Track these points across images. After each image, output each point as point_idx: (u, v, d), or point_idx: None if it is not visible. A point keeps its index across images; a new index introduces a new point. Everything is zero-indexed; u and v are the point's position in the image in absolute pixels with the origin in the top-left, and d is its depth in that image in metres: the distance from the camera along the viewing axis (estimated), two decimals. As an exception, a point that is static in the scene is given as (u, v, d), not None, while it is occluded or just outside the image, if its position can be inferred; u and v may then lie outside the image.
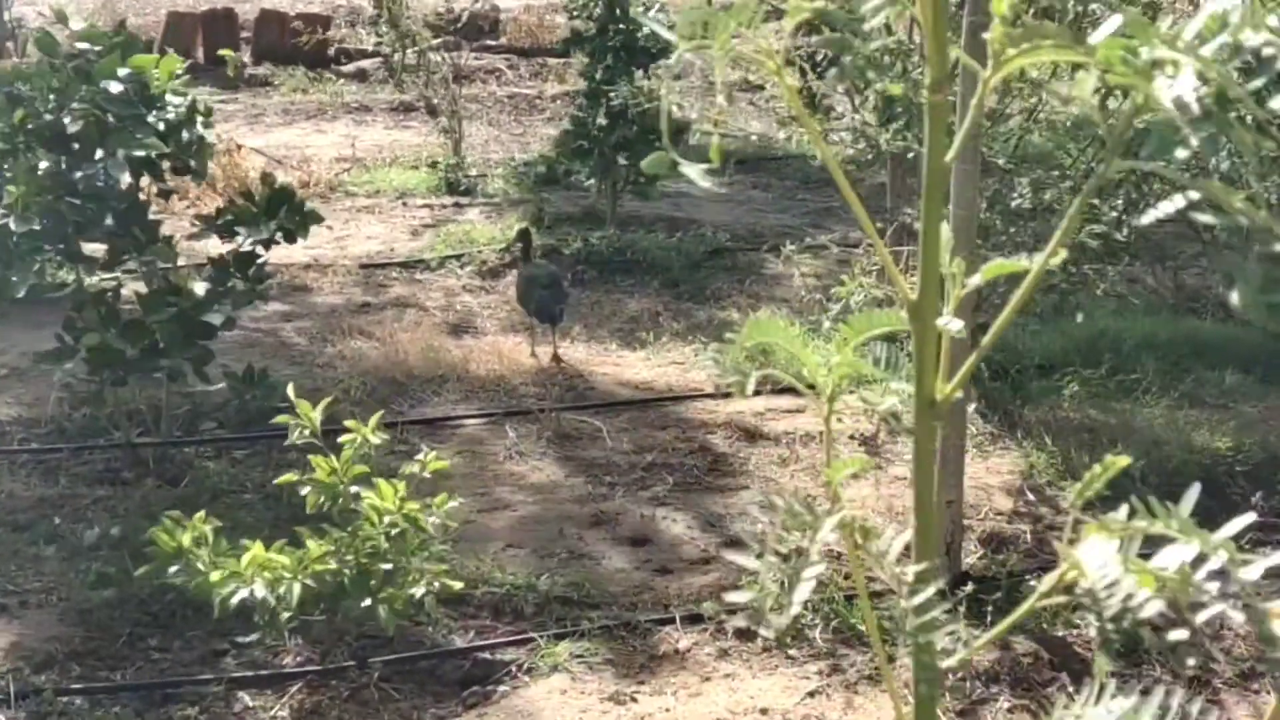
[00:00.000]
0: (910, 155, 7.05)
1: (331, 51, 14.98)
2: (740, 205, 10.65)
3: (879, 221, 9.98)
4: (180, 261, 6.44)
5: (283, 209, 5.83)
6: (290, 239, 5.90)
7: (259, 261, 5.91)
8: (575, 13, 9.63)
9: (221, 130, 11.61)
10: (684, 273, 8.91)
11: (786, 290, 8.74)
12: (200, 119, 5.81)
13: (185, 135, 5.74)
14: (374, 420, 3.96)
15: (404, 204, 10.37)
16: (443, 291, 8.60)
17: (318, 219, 6.05)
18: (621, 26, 9.29)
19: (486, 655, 4.77)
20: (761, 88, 14.55)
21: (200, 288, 5.77)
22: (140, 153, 5.52)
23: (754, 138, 11.75)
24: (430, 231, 9.68)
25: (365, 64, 14.84)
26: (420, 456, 4.17)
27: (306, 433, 4.06)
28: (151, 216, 5.87)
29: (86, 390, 6.06)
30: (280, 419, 4.09)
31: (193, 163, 5.81)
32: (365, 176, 10.93)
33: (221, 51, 13.10)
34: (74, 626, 4.90)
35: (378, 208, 10.26)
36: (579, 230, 9.44)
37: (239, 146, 10.32)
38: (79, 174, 5.44)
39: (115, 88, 5.45)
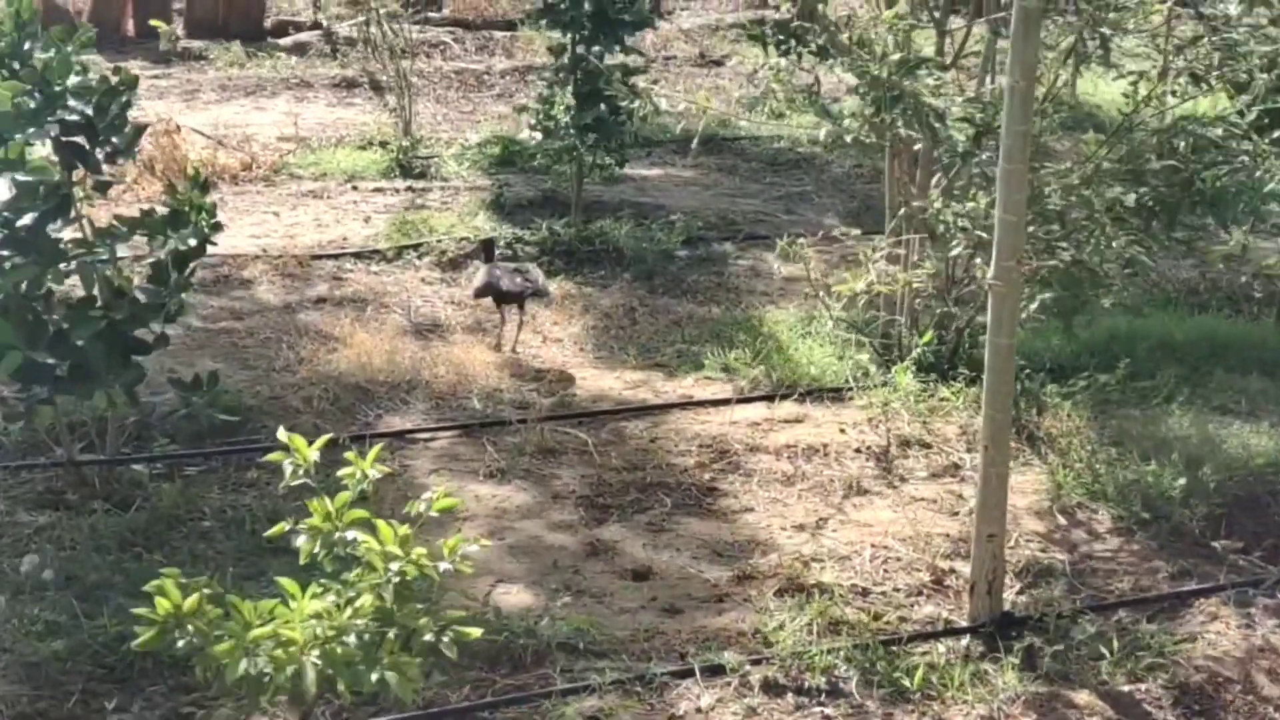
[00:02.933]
0: (916, 146, 6.59)
1: (268, 24, 14.34)
2: (707, 190, 10.14)
3: (862, 211, 9.55)
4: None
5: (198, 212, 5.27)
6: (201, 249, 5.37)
7: (185, 273, 5.35)
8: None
9: (157, 108, 11.02)
10: (658, 264, 8.40)
11: (767, 283, 8.25)
12: (121, 98, 5.21)
13: (110, 113, 5.16)
14: (373, 454, 3.41)
15: (354, 188, 9.78)
16: (402, 285, 8.04)
17: (217, 228, 5.49)
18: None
19: (486, 716, 4.25)
20: (721, 63, 14.24)
21: (140, 295, 5.22)
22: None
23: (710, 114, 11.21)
24: (384, 218, 9.10)
25: (304, 37, 14.19)
26: (428, 495, 3.62)
27: (300, 472, 3.51)
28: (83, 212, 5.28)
29: (17, 407, 5.47)
30: (272, 457, 3.52)
31: (115, 140, 5.23)
32: (311, 158, 10.32)
33: (153, 22, 12.47)
34: (18, 683, 4.32)
35: (326, 192, 9.66)
36: (542, 218, 8.89)
37: (178, 127, 9.67)
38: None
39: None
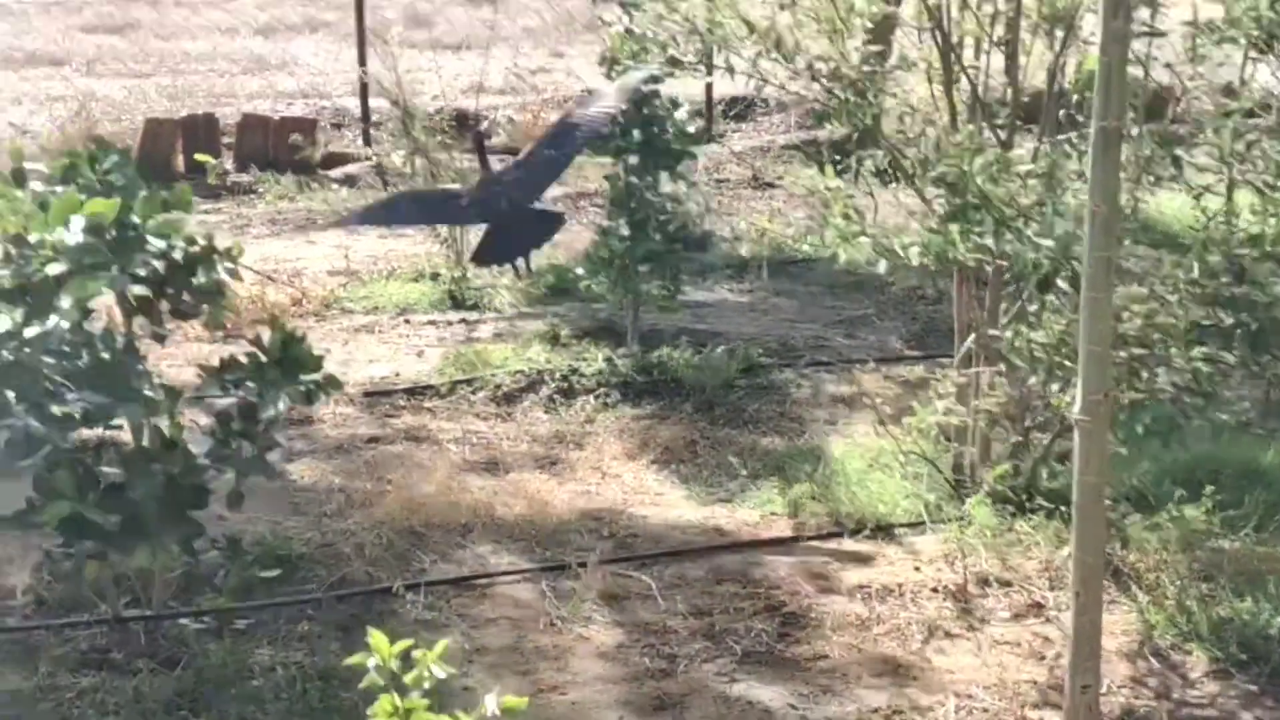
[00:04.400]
0: (988, 266, 6.37)
1: (318, 156, 14.31)
2: (765, 314, 9.94)
3: (925, 333, 9.34)
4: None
5: (298, 367, 5.04)
6: (309, 401, 5.12)
7: (269, 417, 5.10)
8: (593, 108, 8.89)
9: (206, 244, 10.92)
10: (717, 393, 8.18)
11: (830, 411, 8.02)
12: (219, 262, 5.03)
13: (199, 278, 4.98)
14: (439, 648, 3.16)
15: (406, 321, 9.63)
16: (456, 421, 7.85)
17: (338, 385, 5.26)
18: (648, 128, 8.58)
19: None
20: (775, 185, 14.10)
21: (199, 448, 4.99)
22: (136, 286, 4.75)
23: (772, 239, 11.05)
24: (437, 352, 8.94)
25: (354, 169, 14.14)
26: (489, 697, 3.36)
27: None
28: (143, 367, 5.09)
29: (63, 563, 5.27)
30: (355, 660, 3.24)
31: (205, 308, 5.04)
32: (362, 291, 10.19)
33: (199, 157, 12.44)
34: None
35: (378, 326, 9.51)
36: (598, 348, 8.71)
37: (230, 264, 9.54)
38: (34, 331, 4.65)
39: (73, 236, 4.66)
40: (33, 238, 4.69)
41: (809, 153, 7.79)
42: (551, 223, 9.42)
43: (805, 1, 6.25)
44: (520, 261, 9.36)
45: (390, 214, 10.32)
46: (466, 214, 9.32)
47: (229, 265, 5.08)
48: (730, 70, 6.61)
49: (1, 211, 4.73)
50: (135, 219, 4.83)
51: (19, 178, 4.98)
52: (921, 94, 6.77)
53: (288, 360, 5.05)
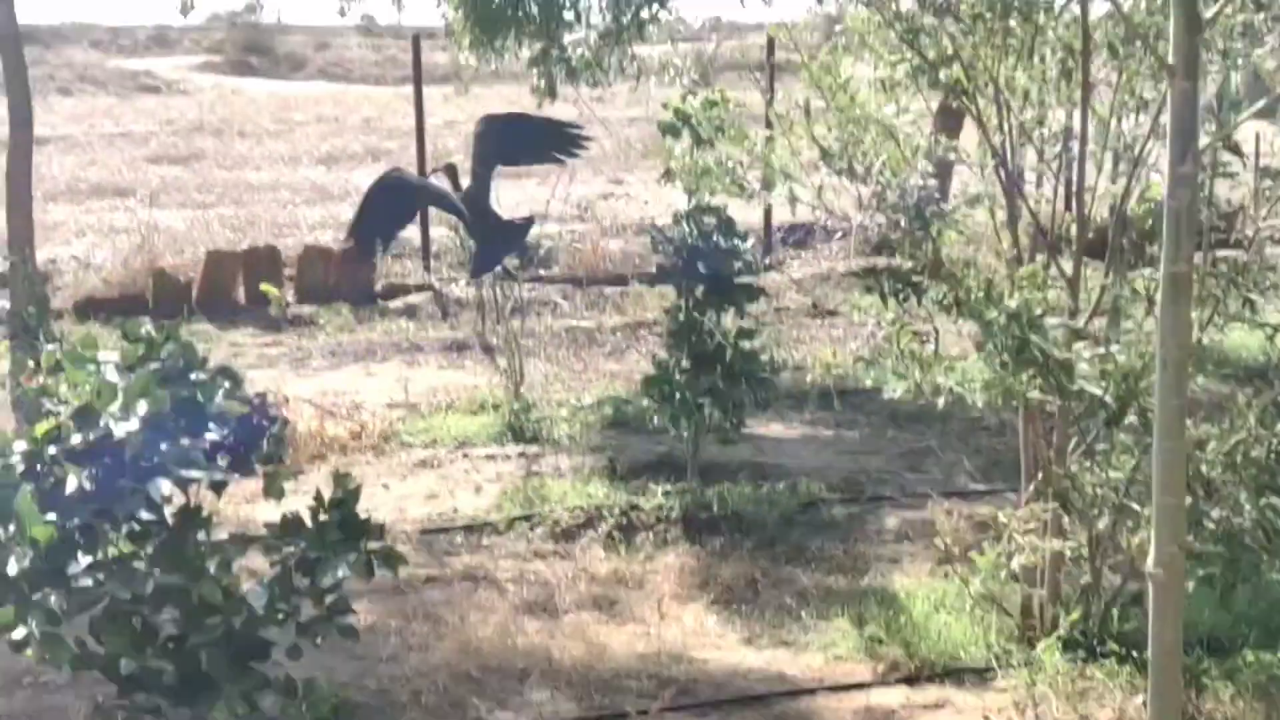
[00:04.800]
0: (1050, 409, 6.25)
1: (378, 287, 14.40)
2: (827, 446, 9.84)
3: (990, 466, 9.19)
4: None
5: (358, 530, 4.94)
6: (368, 572, 5.00)
7: (335, 584, 4.98)
8: (661, 245, 8.86)
9: (266, 376, 10.97)
10: (779, 530, 8.07)
11: (894, 549, 7.88)
12: (276, 424, 4.98)
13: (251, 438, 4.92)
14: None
15: (465, 455, 9.57)
16: (514, 559, 7.77)
17: (401, 560, 5.15)
18: (714, 261, 8.53)
19: None
20: (836, 313, 14.04)
21: (256, 598, 4.89)
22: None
23: (836, 371, 10.97)
24: (495, 487, 8.88)
25: (414, 299, 14.22)
26: None
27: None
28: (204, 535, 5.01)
29: (117, 715, 5.18)
30: None
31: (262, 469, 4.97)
32: (421, 424, 10.16)
33: (263, 287, 12.51)
34: None
35: (437, 460, 9.46)
36: (658, 483, 8.63)
37: (286, 400, 9.57)
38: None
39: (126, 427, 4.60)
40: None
41: (870, 284, 7.67)
42: (524, 228, 11.01)
43: (867, 139, 6.20)
44: (507, 263, 10.89)
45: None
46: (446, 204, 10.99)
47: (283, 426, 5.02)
48: (794, 201, 6.57)
49: (73, 380, 4.69)
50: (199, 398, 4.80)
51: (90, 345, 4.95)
52: (983, 222, 6.71)
53: (347, 522, 4.96)
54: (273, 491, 4.85)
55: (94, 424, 4.49)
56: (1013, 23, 5.82)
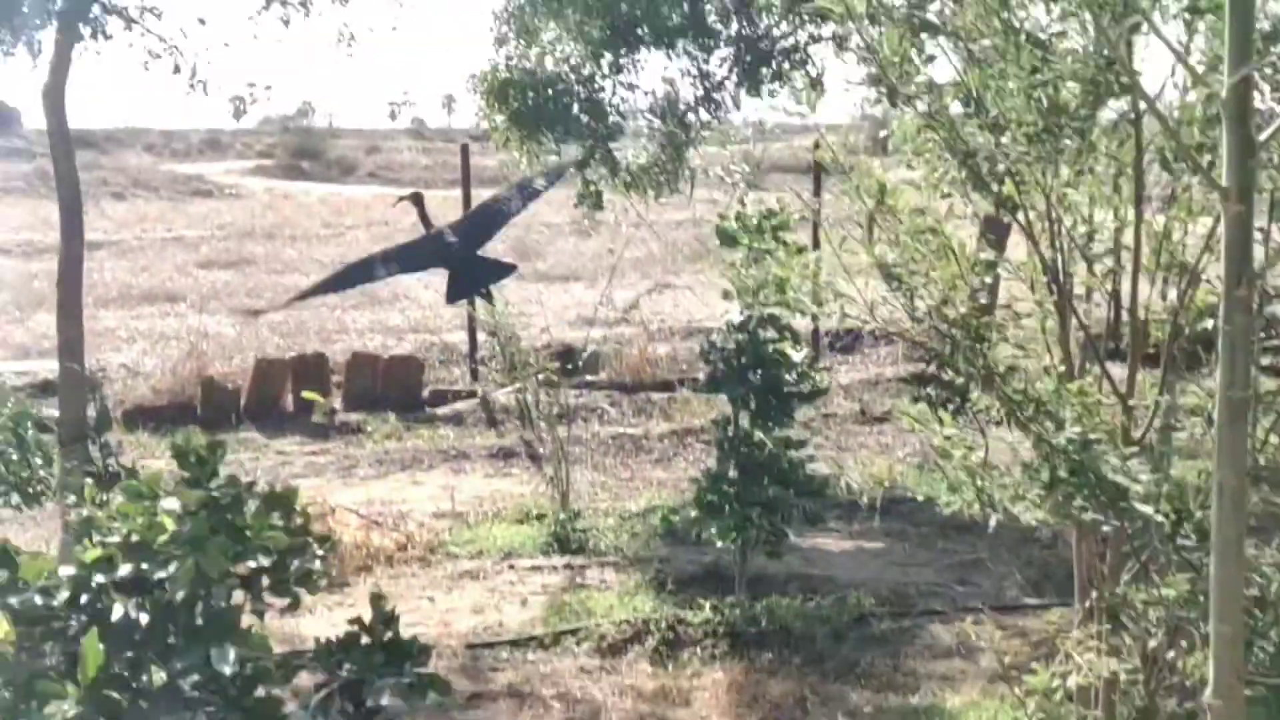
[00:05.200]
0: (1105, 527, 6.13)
1: (425, 393, 14.40)
2: (876, 558, 9.72)
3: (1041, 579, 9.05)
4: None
5: (403, 653, 4.87)
6: (420, 696, 4.92)
7: (379, 707, 4.89)
8: (711, 354, 8.80)
9: (313, 485, 10.96)
10: (828, 645, 7.96)
11: (946, 665, 7.75)
12: (315, 553, 4.93)
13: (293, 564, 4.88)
14: None
15: (511, 566, 9.50)
16: (559, 675, 7.67)
17: (446, 688, 5.07)
18: (766, 371, 8.47)
19: None
20: (885, 420, 13.94)
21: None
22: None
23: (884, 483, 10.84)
24: (540, 600, 8.80)
25: (461, 406, 14.20)
26: None
27: None
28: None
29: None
30: None
31: (301, 592, 4.92)
32: (467, 535, 10.11)
33: (306, 394, 12.54)
34: None
35: (483, 572, 9.39)
36: (705, 595, 8.53)
37: (332, 510, 9.55)
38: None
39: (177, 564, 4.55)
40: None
41: (918, 392, 7.61)
42: (504, 269, 12.69)
43: (921, 253, 6.14)
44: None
45: (351, 276, 12.04)
46: (423, 260, 12.10)
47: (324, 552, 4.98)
48: (845, 316, 6.51)
49: (126, 512, 4.67)
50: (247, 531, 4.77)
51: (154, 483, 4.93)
52: (1032, 329, 6.62)
53: (392, 644, 4.89)
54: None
55: (145, 557, 4.47)
56: (1067, 140, 5.77)
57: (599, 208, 13.31)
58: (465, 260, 12.47)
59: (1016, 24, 5.40)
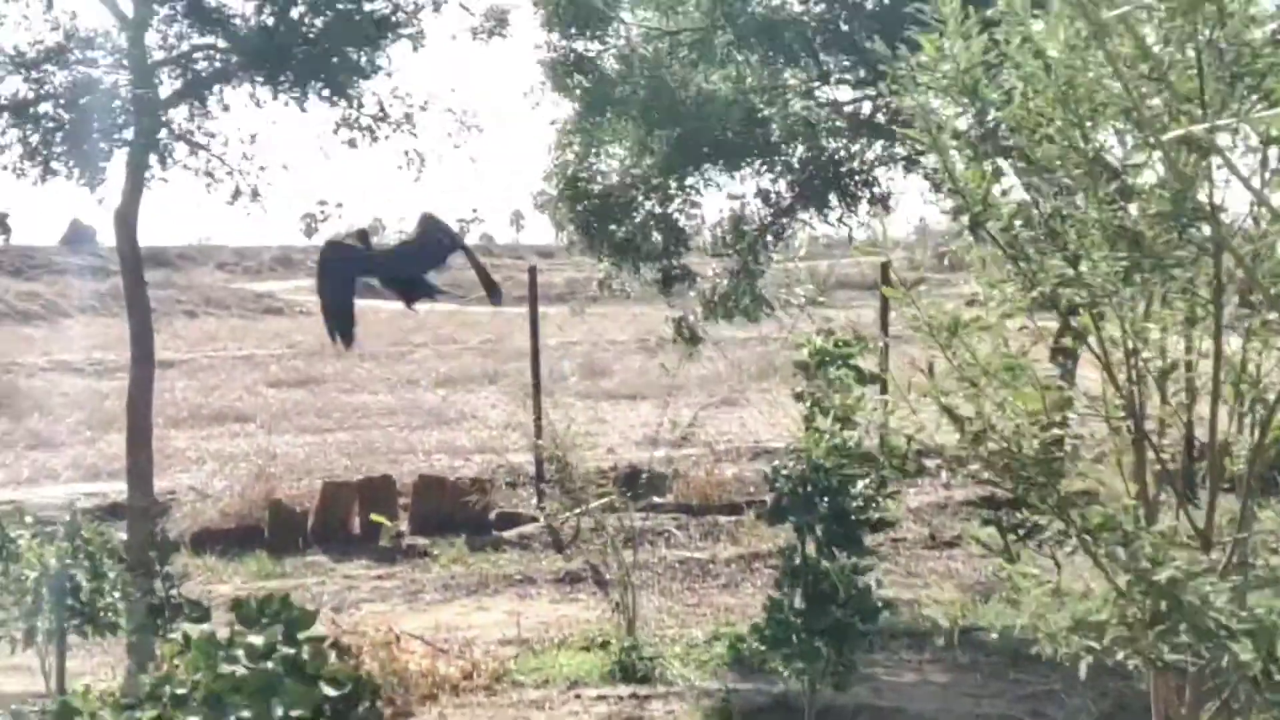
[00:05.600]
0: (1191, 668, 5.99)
1: (492, 516, 14.36)
2: (947, 689, 9.54)
3: (1116, 711, 8.85)
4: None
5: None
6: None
7: None
8: (777, 480, 8.72)
9: (378, 610, 10.91)
10: (900, 780, 7.80)
11: (1023, 804, 7.57)
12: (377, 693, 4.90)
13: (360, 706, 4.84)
14: None
15: (576, 696, 9.39)
16: (625, 811, 7.55)
17: None
18: (834, 499, 8.38)
19: None
20: (954, 544, 13.78)
21: None
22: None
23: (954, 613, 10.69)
24: (607, 732, 8.69)
25: (528, 529, 14.15)
26: None
27: None
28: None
29: None
30: None
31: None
32: (533, 662, 10.01)
33: (374, 517, 12.53)
34: None
35: (549, 702, 9.28)
36: (773, 728, 8.41)
37: (397, 637, 9.49)
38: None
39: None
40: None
41: (988, 516, 7.47)
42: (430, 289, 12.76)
43: (990, 389, 6.07)
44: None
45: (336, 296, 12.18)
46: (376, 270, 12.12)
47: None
48: (915, 457, 6.43)
49: (197, 665, 4.65)
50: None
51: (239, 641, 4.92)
52: (1102, 441, 6.52)
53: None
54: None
55: (215, 709, 4.45)
56: (1145, 273, 5.71)
57: (695, 343, 13.35)
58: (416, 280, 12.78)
59: (1092, 154, 5.36)
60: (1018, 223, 5.46)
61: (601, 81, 13.38)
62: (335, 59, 10.92)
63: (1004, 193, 5.52)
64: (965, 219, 5.51)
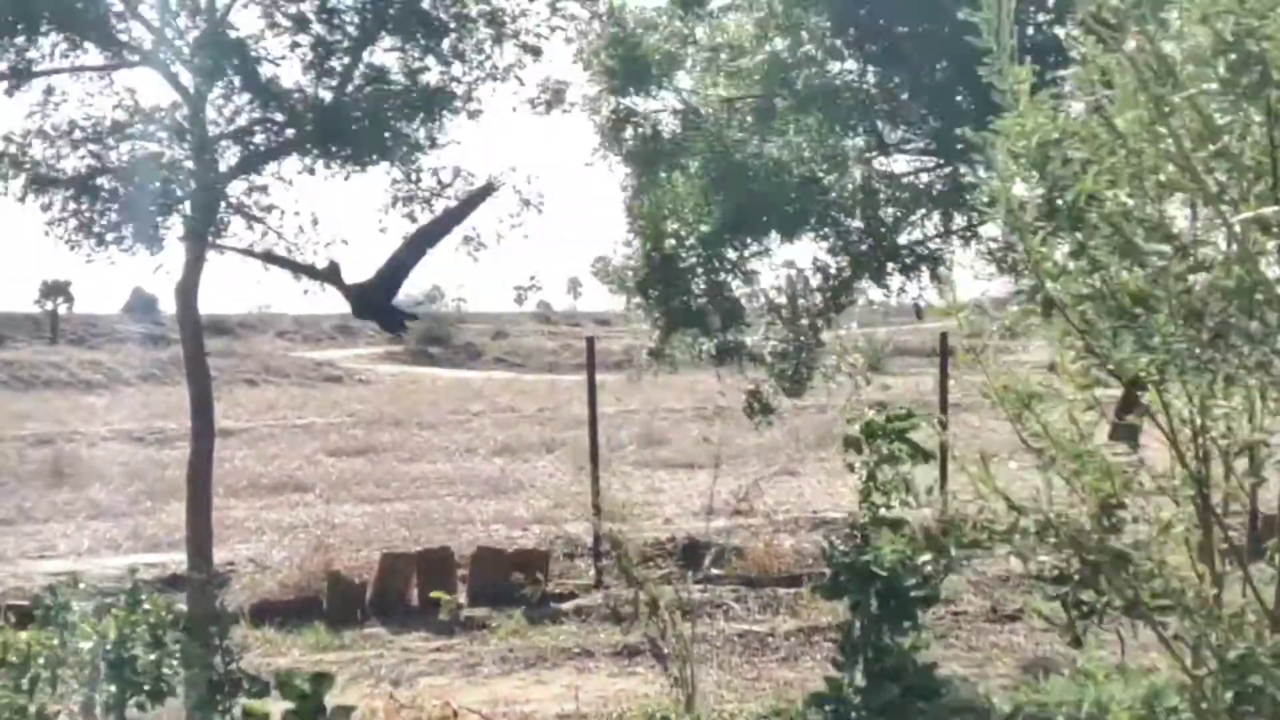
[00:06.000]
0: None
1: (551, 588, 14.30)
2: (1012, 768, 9.39)
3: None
4: None
5: None
6: None
7: None
8: (832, 556, 8.63)
9: (436, 683, 10.88)
10: None
11: None
12: None
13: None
14: None
15: (637, 779, 9.32)
16: None
17: None
18: (890, 575, 8.29)
19: None
20: (1017, 618, 13.61)
21: None
22: None
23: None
24: (666, 816, 8.59)
25: (585, 601, 14.09)
26: None
27: None
28: None
29: None
30: None
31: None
32: (596, 746, 9.95)
33: (434, 595, 12.50)
34: None
35: (608, 782, 9.22)
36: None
37: (454, 711, 9.43)
38: None
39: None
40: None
41: (1053, 593, 7.35)
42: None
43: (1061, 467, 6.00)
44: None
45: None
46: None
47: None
48: (975, 541, 6.36)
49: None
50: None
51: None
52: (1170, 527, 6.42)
53: None
54: None
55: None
56: (1214, 351, 5.64)
57: (769, 413, 13.31)
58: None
59: (1162, 228, 5.32)
60: (1088, 298, 5.41)
61: (657, 139, 13.44)
62: (391, 133, 11.01)
63: (1075, 268, 5.47)
64: (1037, 295, 5.46)
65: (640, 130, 13.58)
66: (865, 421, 8.17)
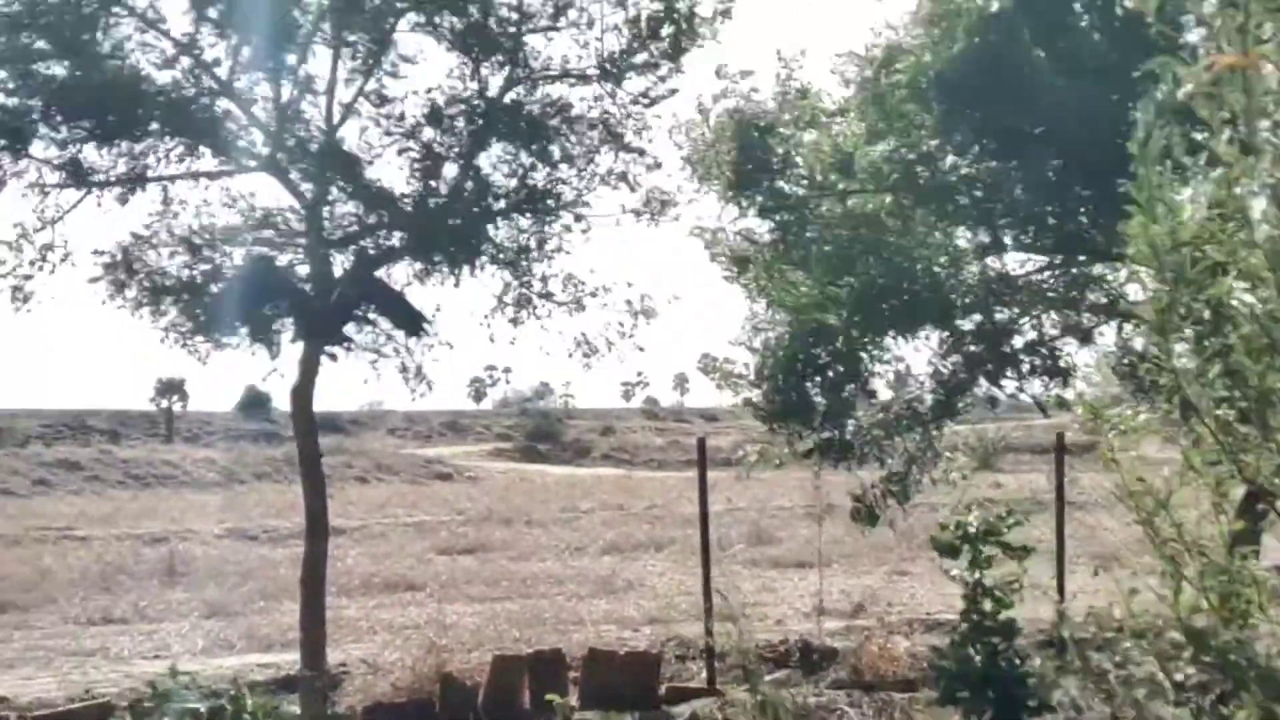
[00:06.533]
0: None
1: (662, 690, 14.17)
2: None
3: None
4: None
5: None
6: None
7: None
8: (944, 663, 8.49)
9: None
10: None
11: None
12: None
13: None
14: None
15: None
16: None
17: None
18: (1006, 684, 8.13)
19: None
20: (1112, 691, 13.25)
21: None
22: None
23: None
24: None
25: (698, 704, 13.92)
26: None
27: None
28: None
29: None
30: None
31: None
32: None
33: (548, 697, 12.41)
34: None
35: None
36: None
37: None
38: None
39: None
40: None
41: (1178, 699, 7.16)
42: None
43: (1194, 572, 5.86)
44: None
45: None
46: None
47: None
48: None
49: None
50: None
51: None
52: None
53: None
54: None
55: None
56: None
57: (874, 522, 13.19)
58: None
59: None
60: (1226, 400, 5.30)
61: (775, 244, 13.38)
62: (499, 237, 11.10)
63: (1212, 373, 5.38)
64: (1174, 397, 5.36)
65: (755, 239, 13.56)
66: (957, 525, 8.06)
